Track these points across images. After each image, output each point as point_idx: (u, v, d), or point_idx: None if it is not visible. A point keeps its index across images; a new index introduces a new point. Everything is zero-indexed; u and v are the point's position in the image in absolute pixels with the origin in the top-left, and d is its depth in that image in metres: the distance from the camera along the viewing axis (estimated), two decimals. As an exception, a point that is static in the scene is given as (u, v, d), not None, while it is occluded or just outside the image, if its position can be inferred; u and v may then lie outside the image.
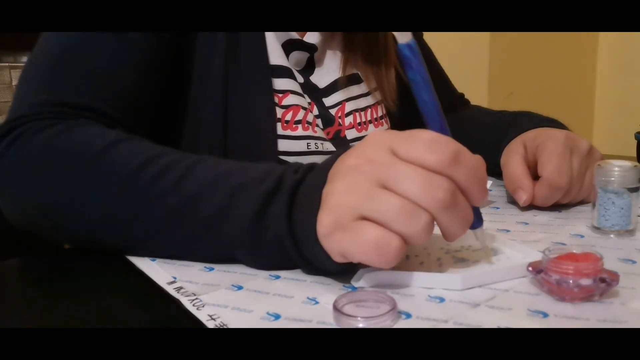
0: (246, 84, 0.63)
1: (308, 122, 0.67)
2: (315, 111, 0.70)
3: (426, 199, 0.36)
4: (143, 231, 0.46)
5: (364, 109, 0.75)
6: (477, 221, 0.42)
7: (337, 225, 0.37)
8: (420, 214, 0.36)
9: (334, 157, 0.42)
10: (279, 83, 0.66)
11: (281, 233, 0.41)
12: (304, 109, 0.67)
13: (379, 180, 0.37)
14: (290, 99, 0.66)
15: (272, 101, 0.65)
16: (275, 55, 0.67)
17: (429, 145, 0.37)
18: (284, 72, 0.67)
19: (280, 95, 0.65)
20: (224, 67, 0.62)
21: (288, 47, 0.69)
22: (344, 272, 0.41)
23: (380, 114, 0.77)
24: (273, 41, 0.67)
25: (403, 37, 0.43)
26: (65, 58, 0.54)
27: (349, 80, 0.75)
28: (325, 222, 0.38)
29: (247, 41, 0.64)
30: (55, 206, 0.47)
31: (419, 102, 0.43)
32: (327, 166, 0.41)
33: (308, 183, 0.42)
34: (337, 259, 0.39)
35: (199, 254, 0.46)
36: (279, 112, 0.65)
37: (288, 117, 0.65)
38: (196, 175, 0.45)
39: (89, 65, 0.54)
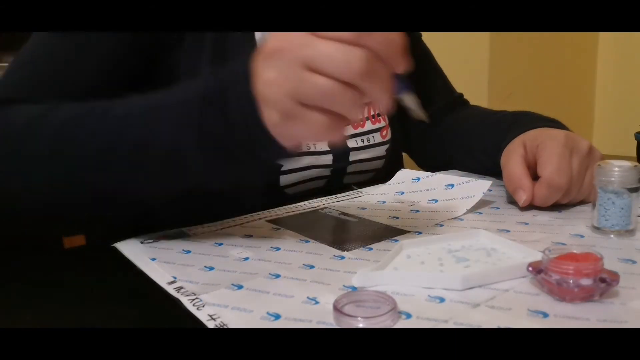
0: None
1: None
2: None
3: (347, 74, 0.39)
4: (80, 170, 0.47)
5: None
6: (402, 87, 0.44)
7: (284, 116, 0.41)
8: (346, 92, 0.39)
9: (248, 57, 0.44)
10: None
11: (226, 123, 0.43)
12: None
13: (304, 62, 0.39)
14: None
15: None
16: None
17: None
18: None
19: None
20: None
21: None
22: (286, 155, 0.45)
23: (377, 110, 0.77)
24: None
25: None
26: (25, 58, 0.57)
27: None
28: (272, 116, 0.41)
29: (236, 48, 0.64)
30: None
31: None
32: (247, 65, 0.43)
33: (236, 90, 0.43)
34: (289, 143, 0.43)
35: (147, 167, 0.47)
36: None
37: None
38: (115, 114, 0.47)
39: (37, 66, 0.57)
